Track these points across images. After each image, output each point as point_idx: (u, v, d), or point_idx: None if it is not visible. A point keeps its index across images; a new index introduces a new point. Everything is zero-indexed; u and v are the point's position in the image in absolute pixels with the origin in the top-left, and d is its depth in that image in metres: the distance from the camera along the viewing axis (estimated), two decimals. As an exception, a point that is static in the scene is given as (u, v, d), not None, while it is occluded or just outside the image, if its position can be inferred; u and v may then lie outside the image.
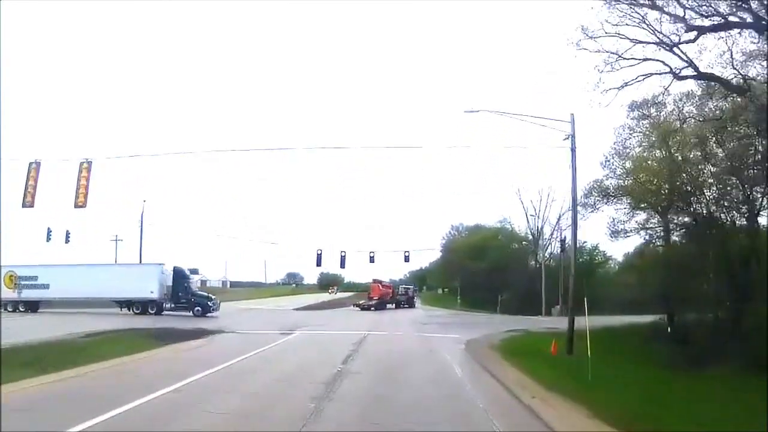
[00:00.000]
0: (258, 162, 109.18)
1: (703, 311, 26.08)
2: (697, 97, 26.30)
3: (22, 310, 36.06)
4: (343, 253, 45.32)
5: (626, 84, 24.37)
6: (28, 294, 36.77)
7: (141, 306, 35.75)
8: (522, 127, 22.58)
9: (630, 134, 34.60)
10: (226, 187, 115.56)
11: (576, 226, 22.78)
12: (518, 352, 20.11)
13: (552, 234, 55.43)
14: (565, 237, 40.49)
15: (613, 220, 35.35)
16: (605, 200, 34.40)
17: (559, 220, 54.25)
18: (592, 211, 34.55)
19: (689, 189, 28.69)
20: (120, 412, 8.36)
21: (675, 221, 33.53)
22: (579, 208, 34.47)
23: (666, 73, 23.65)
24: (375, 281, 58.71)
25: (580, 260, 60.82)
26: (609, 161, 33.94)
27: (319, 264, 44.26)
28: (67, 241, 45.55)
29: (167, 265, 38.16)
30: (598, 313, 53.29)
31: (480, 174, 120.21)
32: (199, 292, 38.60)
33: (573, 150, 22.28)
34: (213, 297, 38.33)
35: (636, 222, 36.28)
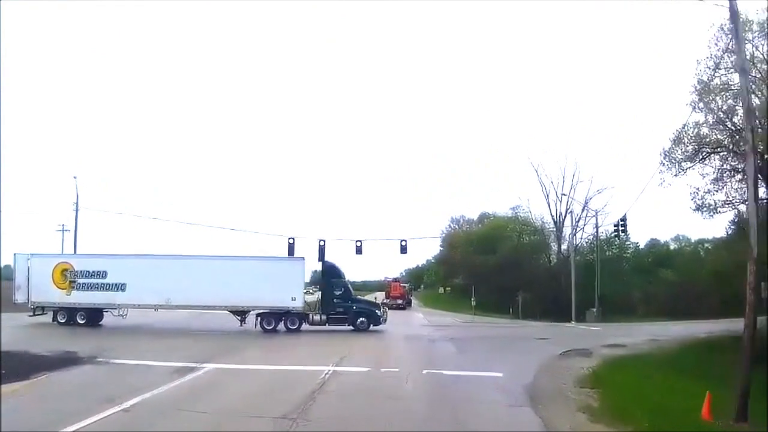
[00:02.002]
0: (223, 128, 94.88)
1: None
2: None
3: (81, 321, 23.58)
4: (321, 243, 33.56)
5: None
6: (88, 297, 23.70)
7: (274, 319, 23.37)
8: None
9: (713, 72, 23.76)
10: (185, 164, 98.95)
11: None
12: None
13: (578, 221, 43.44)
14: (624, 216, 28.54)
15: (697, 189, 23.91)
16: (694, 157, 22.73)
17: (586, 204, 42.46)
18: (676, 174, 22.89)
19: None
20: None
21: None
22: (661, 167, 23.10)
23: None
24: (394, 280, 57.24)
25: (608, 254, 49.56)
26: (701, 99, 22.66)
27: (291, 255, 32.46)
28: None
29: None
30: (631, 317, 42.09)
31: (489, 152, 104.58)
32: (362, 298, 26.18)
33: (735, 14, 10.71)
34: (379, 304, 25.97)
35: (725, 193, 24.75)
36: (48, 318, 24.31)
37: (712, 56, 22.92)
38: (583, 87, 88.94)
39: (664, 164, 22.01)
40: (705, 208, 23.76)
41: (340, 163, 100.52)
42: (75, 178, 38.53)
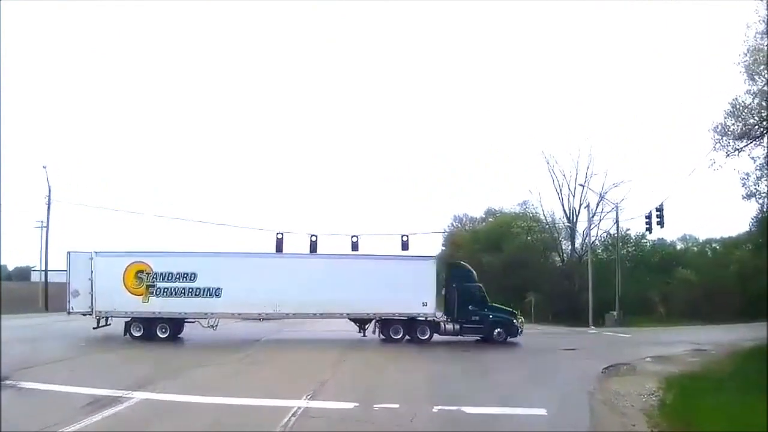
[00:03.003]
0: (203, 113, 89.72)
1: None
2: None
3: (162, 335, 19.20)
4: (313, 238, 29.78)
5: None
6: (172, 305, 19.19)
7: (403, 327, 19.89)
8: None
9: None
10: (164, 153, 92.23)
11: None
12: None
13: (593, 216, 39.46)
14: (661, 206, 24.33)
15: (747, 175, 20.27)
16: (751, 133, 18.87)
17: (602, 197, 38.42)
18: (729, 154, 19.02)
19: None
20: None
21: None
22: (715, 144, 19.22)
23: None
24: None
25: (624, 252, 45.72)
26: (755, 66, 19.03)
27: (279, 251, 28.73)
28: None
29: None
30: (650, 319, 38.18)
31: (491, 149, 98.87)
32: (498, 306, 22.06)
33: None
34: (515, 312, 22.07)
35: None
36: (115, 329, 19.56)
37: (764, 19, 19.32)
38: (592, 79, 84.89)
39: (717, 141, 18.16)
40: (758, 195, 20.06)
41: (338, 162, 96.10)
42: (45, 167, 34.71)
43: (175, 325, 19.59)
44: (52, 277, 65.02)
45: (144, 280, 19.27)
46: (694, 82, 74.46)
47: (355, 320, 20.47)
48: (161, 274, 19.35)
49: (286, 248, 28.56)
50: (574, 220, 40.93)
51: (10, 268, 70.71)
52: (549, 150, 44.78)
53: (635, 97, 79.28)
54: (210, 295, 19.21)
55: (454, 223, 68.00)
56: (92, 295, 19.05)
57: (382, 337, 20.01)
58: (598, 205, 40.02)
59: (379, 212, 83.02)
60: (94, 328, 19.41)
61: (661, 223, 24.26)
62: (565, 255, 43.60)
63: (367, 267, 20.37)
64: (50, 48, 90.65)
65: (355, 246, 30.11)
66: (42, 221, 46.15)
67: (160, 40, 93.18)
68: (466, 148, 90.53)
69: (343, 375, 12.21)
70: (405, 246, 30.81)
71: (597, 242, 42.98)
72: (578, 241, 43.29)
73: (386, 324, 19.96)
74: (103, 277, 19.16)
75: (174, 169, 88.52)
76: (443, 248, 65.70)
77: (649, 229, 25.74)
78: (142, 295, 19.22)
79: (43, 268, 54.14)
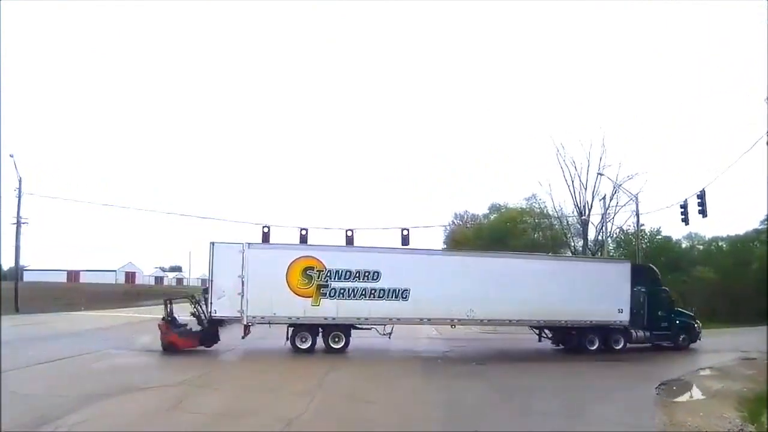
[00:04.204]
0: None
1: None
2: None
3: (335, 345, 16.06)
4: (303, 232, 26.74)
5: None
6: (349, 309, 16.13)
7: (599, 335, 17.85)
8: None
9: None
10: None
11: None
12: None
13: (606, 209, 36.25)
14: (702, 192, 20.89)
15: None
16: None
17: (618, 188, 35.19)
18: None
19: None
20: None
21: None
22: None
23: None
24: None
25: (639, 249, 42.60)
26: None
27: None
28: None
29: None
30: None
31: (491, 147, 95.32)
32: (680, 309, 20.15)
33: None
34: (693, 314, 20.59)
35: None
36: (266, 338, 16.63)
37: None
38: (591, 79, 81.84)
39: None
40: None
41: (335, 160, 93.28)
42: (12, 156, 31.57)
43: (348, 333, 16.44)
44: (37, 277, 61.91)
45: (315, 278, 16.00)
46: (695, 81, 71.42)
47: (538, 328, 18.50)
48: (336, 271, 16.15)
49: (273, 241, 25.73)
50: (588, 214, 37.71)
51: (5, 267, 67.71)
52: (559, 141, 41.72)
53: (636, 96, 76.46)
54: (396, 297, 16.30)
55: (455, 221, 64.88)
56: (242, 296, 15.65)
57: (560, 347, 18.54)
58: (612, 197, 36.93)
59: (378, 211, 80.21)
60: (242, 338, 16.12)
61: (703, 212, 21.10)
62: (577, 252, 40.41)
63: (564, 271, 18.36)
64: (49, 47, 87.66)
65: (350, 240, 27.14)
66: (22, 217, 42.72)
67: (159, 39, 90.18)
68: (466, 147, 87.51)
69: (322, 406, 8.82)
70: (405, 241, 27.78)
71: (609, 239, 39.94)
72: (590, 236, 40.16)
73: (581, 333, 17.89)
74: (258, 275, 15.75)
75: (162, 163, 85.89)
76: (444, 245, 62.68)
77: (685, 220, 22.65)
78: (311, 296, 15.93)
79: (33, 267, 51.06)
